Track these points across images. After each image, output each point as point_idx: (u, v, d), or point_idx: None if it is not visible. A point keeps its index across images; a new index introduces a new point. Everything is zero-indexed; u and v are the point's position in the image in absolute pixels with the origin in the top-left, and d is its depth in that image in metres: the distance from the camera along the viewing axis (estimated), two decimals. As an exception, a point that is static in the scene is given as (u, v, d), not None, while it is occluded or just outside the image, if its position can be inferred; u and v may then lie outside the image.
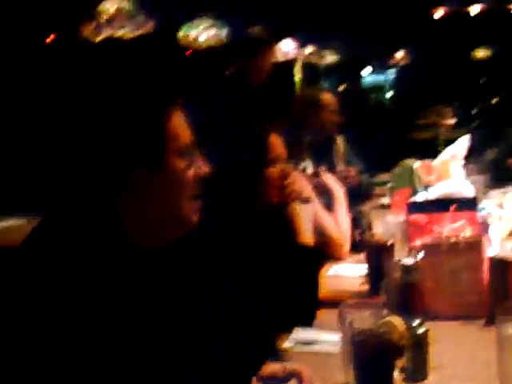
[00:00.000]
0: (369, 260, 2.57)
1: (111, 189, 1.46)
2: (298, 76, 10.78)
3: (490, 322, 1.98)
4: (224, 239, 2.22)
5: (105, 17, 7.06)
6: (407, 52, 13.40)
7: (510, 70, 10.64)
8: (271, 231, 2.37)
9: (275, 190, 2.41)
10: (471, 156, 3.74)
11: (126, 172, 1.45)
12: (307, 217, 2.74)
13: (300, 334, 2.18)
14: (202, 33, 8.81)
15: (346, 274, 2.84)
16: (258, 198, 2.37)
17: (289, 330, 2.19)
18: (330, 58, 11.67)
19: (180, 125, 1.53)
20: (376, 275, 2.47)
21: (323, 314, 2.32)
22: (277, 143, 2.45)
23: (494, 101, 6.56)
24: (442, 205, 2.42)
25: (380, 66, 13.76)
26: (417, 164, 3.29)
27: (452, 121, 8.18)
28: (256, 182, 2.37)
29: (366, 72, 13.82)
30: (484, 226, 2.45)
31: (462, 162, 3.20)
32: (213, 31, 8.79)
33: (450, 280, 2.24)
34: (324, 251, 2.83)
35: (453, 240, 2.24)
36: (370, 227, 3.07)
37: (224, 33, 8.62)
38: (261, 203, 2.38)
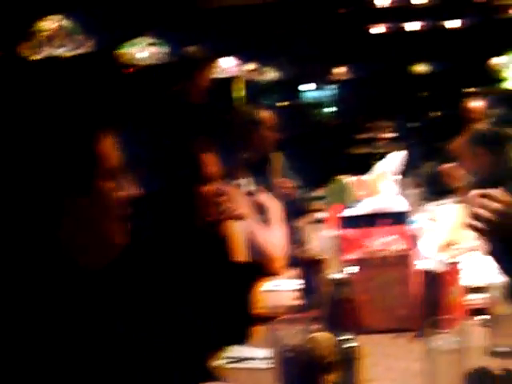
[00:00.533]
0: (302, 275, 2.59)
1: (46, 214, 1.46)
2: (240, 93, 10.81)
3: (421, 334, 2.01)
4: (161, 256, 2.22)
5: (44, 35, 6.98)
6: (348, 68, 13.57)
7: (448, 85, 10.86)
8: (206, 249, 2.37)
9: (209, 208, 2.41)
10: (407, 170, 3.80)
11: (57, 198, 1.45)
12: (242, 234, 2.75)
13: (233, 351, 2.18)
14: (143, 50, 8.78)
15: (282, 289, 2.85)
16: (193, 215, 2.38)
17: (222, 348, 2.20)
18: (271, 74, 11.74)
19: (108, 147, 1.52)
20: (309, 290, 2.50)
21: (257, 330, 2.33)
22: (211, 161, 2.46)
23: (432, 115, 6.68)
24: (372, 219, 2.45)
25: (321, 82, 13.89)
26: (350, 179, 3.33)
27: (391, 135, 8.30)
28: (191, 199, 2.37)
29: (308, 88, 13.94)
30: (415, 240, 2.49)
31: (396, 176, 3.24)
32: (154, 49, 8.76)
33: (380, 294, 2.27)
34: (260, 267, 2.84)
35: (382, 254, 2.28)
36: (304, 242, 3.09)
37: (164, 51, 8.60)
38: (197, 221, 2.38)
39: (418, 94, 11.74)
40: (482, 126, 3.65)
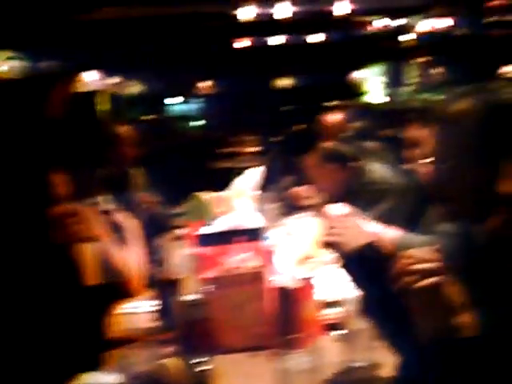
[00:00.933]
0: (159, 296, 2.53)
1: None
2: (104, 107, 10.62)
3: (277, 352, 2.00)
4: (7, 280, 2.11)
5: None
6: (214, 82, 13.61)
7: (311, 98, 11.06)
8: (56, 272, 2.28)
9: (59, 230, 2.32)
10: (267, 185, 3.81)
11: None
12: (96, 255, 2.66)
13: (86, 377, 2.09)
14: (2, 64, 8.53)
15: (138, 311, 2.77)
16: (42, 238, 2.28)
17: (74, 374, 2.10)
18: (136, 88, 11.62)
19: None
20: (165, 312, 2.44)
21: (112, 355, 2.25)
22: (61, 180, 2.37)
23: (294, 129, 6.78)
24: (228, 237, 2.43)
25: (188, 96, 13.86)
26: (209, 196, 3.30)
27: (255, 150, 8.37)
28: (40, 222, 2.27)
29: (174, 101, 13.88)
30: (270, 256, 2.48)
31: (255, 191, 3.24)
32: (13, 63, 8.53)
33: (236, 312, 2.24)
34: (115, 289, 2.75)
35: (237, 272, 2.25)
36: (162, 262, 3.03)
37: (24, 65, 8.38)
38: (47, 243, 2.28)
39: (281, 107, 11.91)
40: (332, 142, 3.70)
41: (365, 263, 1.99)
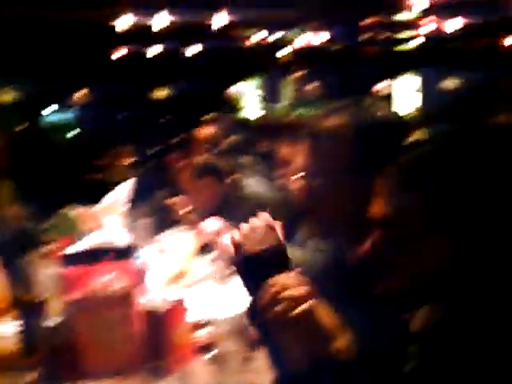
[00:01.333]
0: (22, 318, 2.38)
1: None
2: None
3: (146, 378, 1.92)
4: None
5: None
6: (91, 91, 13.34)
7: (188, 110, 11.01)
8: None
9: None
10: (139, 199, 3.70)
11: None
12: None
13: None
14: None
15: (2, 333, 2.61)
16: None
17: None
18: (8, 96, 11.22)
19: None
20: (29, 335, 2.29)
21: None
22: None
23: (170, 142, 6.67)
24: (95, 255, 2.31)
25: (64, 105, 13.51)
26: (77, 211, 3.17)
27: (130, 162, 8.20)
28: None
29: (50, 110, 13.49)
30: (140, 276, 2.37)
31: (126, 206, 3.14)
32: None
33: (103, 336, 2.13)
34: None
35: (104, 293, 2.14)
36: (27, 281, 2.87)
37: None
38: None
39: (158, 119, 11.81)
40: (205, 156, 3.65)
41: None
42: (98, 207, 3.03)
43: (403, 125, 1.84)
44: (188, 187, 3.52)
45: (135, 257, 2.41)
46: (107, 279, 2.17)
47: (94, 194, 3.82)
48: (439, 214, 1.25)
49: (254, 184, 3.62)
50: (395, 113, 1.89)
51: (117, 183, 3.96)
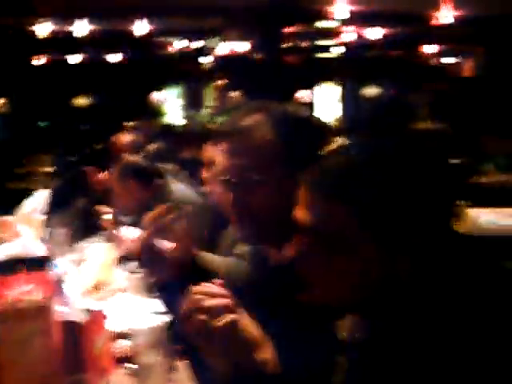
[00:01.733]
0: None
1: None
2: None
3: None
4: None
5: None
6: (10, 100, 13.04)
7: (110, 118, 10.87)
8: None
9: None
10: (58, 207, 3.60)
11: None
12: None
13: None
14: None
15: None
16: None
17: None
18: None
19: None
20: None
21: None
22: None
23: (91, 149, 6.56)
24: (10, 266, 2.21)
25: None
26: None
27: (49, 170, 8.05)
28: None
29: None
30: (58, 286, 2.29)
31: (43, 215, 3.04)
32: None
33: (18, 350, 2.03)
34: None
35: (19, 305, 2.05)
36: None
37: None
38: None
39: (79, 126, 11.63)
40: (130, 158, 3.57)
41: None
42: (12, 216, 2.92)
43: (323, 127, 1.81)
44: (114, 190, 3.43)
45: (52, 267, 2.33)
46: (22, 291, 2.07)
47: (10, 203, 3.70)
48: (363, 224, 1.22)
49: (179, 189, 3.56)
50: (315, 115, 1.87)
51: (34, 191, 3.85)
